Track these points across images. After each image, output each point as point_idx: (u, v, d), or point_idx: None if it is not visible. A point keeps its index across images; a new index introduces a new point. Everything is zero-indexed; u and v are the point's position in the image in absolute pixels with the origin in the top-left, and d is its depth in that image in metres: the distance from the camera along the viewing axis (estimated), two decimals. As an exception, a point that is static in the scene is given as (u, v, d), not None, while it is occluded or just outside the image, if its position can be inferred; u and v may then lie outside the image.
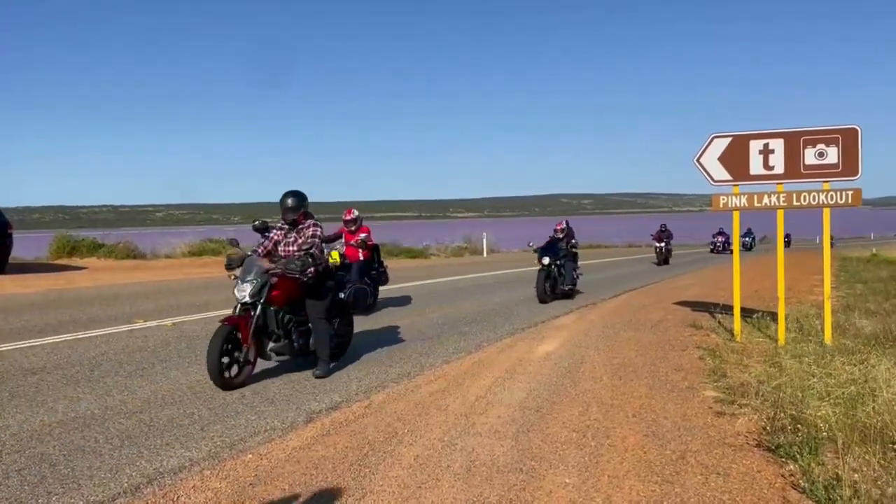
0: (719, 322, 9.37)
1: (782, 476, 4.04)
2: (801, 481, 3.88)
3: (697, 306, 11.07)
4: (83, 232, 26.39)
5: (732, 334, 8.31)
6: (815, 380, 5.79)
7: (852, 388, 5.41)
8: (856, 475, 3.80)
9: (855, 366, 6.18)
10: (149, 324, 9.18)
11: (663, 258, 26.35)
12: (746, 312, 9.23)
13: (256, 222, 22.14)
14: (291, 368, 6.77)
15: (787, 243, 57.63)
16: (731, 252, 33.53)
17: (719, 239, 39.43)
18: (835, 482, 3.76)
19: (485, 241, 31.58)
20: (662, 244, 26.49)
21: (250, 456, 4.31)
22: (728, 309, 9.11)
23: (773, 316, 8.51)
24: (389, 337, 8.58)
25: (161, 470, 4.06)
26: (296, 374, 6.56)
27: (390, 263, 25.00)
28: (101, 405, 5.42)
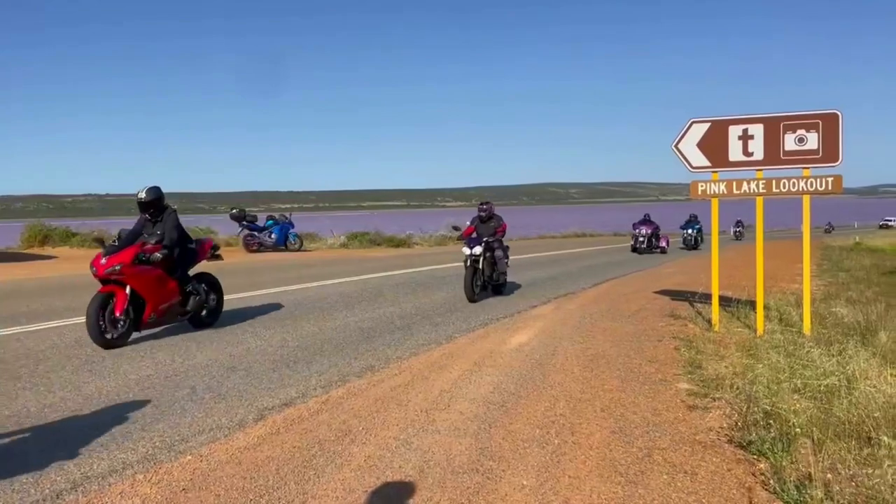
0: (698, 311, 9.17)
1: (752, 475, 3.82)
2: (771, 481, 3.66)
3: (678, 295, 10.87)
4: (67, 221, 25.96)
5: (710, 324, 8.11)
6: (791, 372, 5.59)
7: (829, 380, 5.21)
8: (829, 475, 3.59)
9: (833, 357, 5.98)
10: (108, 315, 8.84)
11: (485, 279, 11.32)
12: (726, 301, 9.04)
13: (234, 210, 21.81)
14: (252, 361, 6.49)
15: (829, 230, 57.17)
16: (662, 251, 25.37)
17: (643, 231, 25.51)
18: (807, 482, 3.55)
19: (469, 229, 31.24)
20: (478, 250, 11.15)
21: (189, 458, 4.04)
22: (708, 297, 8.90)
23: (753, 305, 8.32)
24: (358, 328, 8.29)
25: (89, 474, 3.77)
26: (256, 367, 6.28)
27: (373, 253, 24.79)
28: (40, 403, 5.12)
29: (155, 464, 3.94)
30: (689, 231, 29.74)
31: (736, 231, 42.62)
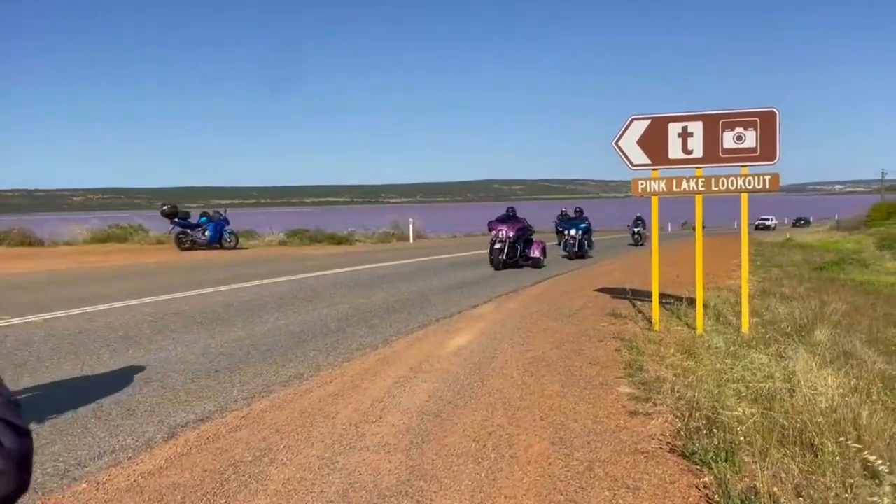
0: (638, 310, 9.09)
1: (697, 488, 3.63)
2: (716, 496, 3.47)
3: (618, 293, 10.80)
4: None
5: (651, 323, 8.02)
6: (731, 375, 5.48)
7: (770, 383, 5.11)
8: (775, 487, 3.42)
9: (772, 357, 5.92)
10: (15, 320, 8.15)
11: None
12: (666, 299, 8.99)
13: (165, 207, 20.88)
14: (170, 370, 6.00)
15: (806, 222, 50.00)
16: (534, 263, 17.06)
17: (502, 232, 16.01)
18: (752, 496, 3.37)
19: (411, 227, 30.95)
20: None
21: (84, 486, 3.59)
22: (648, 295, 8.83)
23: (692, 302, 8.27)
24: (287, 332, 7.86)
25: (-39, 510, 3.29)
26: (173, 377, 5.79)
27: (313, 250, 24.14)
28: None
29: (43, 494, 3.48)
30: (573, 232, 20.65)
31: (635, 233, 30.50)
